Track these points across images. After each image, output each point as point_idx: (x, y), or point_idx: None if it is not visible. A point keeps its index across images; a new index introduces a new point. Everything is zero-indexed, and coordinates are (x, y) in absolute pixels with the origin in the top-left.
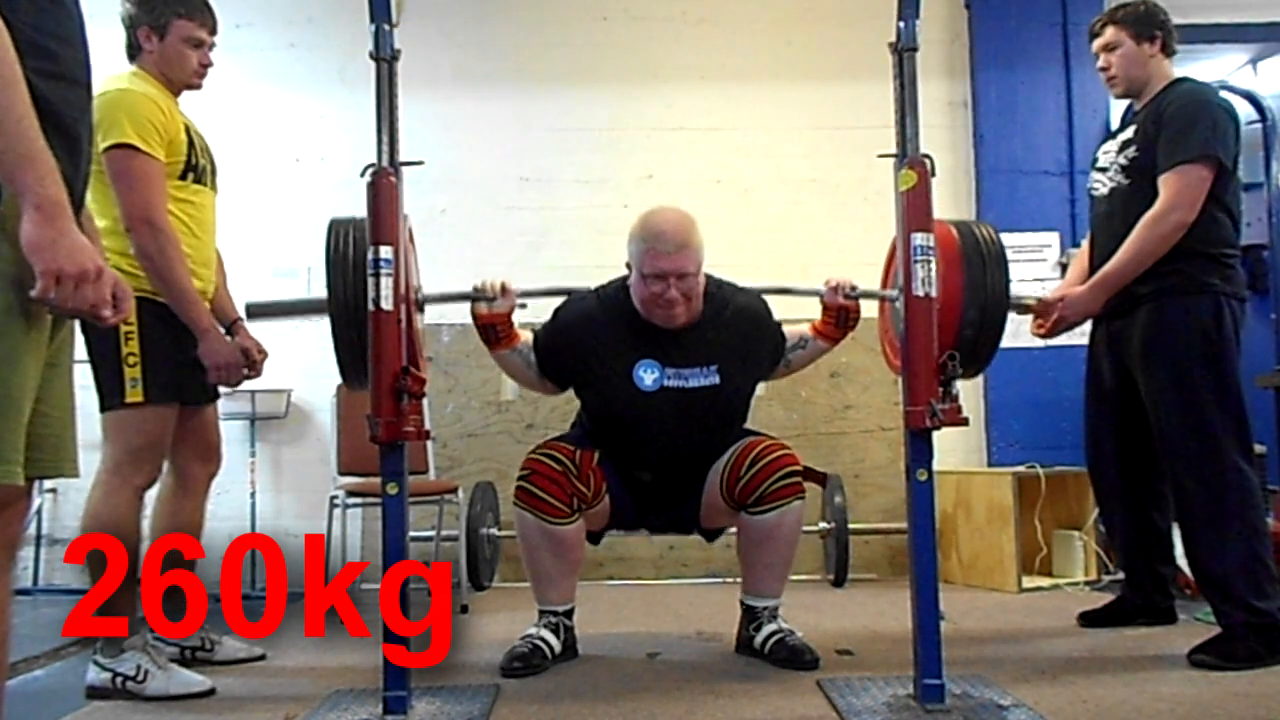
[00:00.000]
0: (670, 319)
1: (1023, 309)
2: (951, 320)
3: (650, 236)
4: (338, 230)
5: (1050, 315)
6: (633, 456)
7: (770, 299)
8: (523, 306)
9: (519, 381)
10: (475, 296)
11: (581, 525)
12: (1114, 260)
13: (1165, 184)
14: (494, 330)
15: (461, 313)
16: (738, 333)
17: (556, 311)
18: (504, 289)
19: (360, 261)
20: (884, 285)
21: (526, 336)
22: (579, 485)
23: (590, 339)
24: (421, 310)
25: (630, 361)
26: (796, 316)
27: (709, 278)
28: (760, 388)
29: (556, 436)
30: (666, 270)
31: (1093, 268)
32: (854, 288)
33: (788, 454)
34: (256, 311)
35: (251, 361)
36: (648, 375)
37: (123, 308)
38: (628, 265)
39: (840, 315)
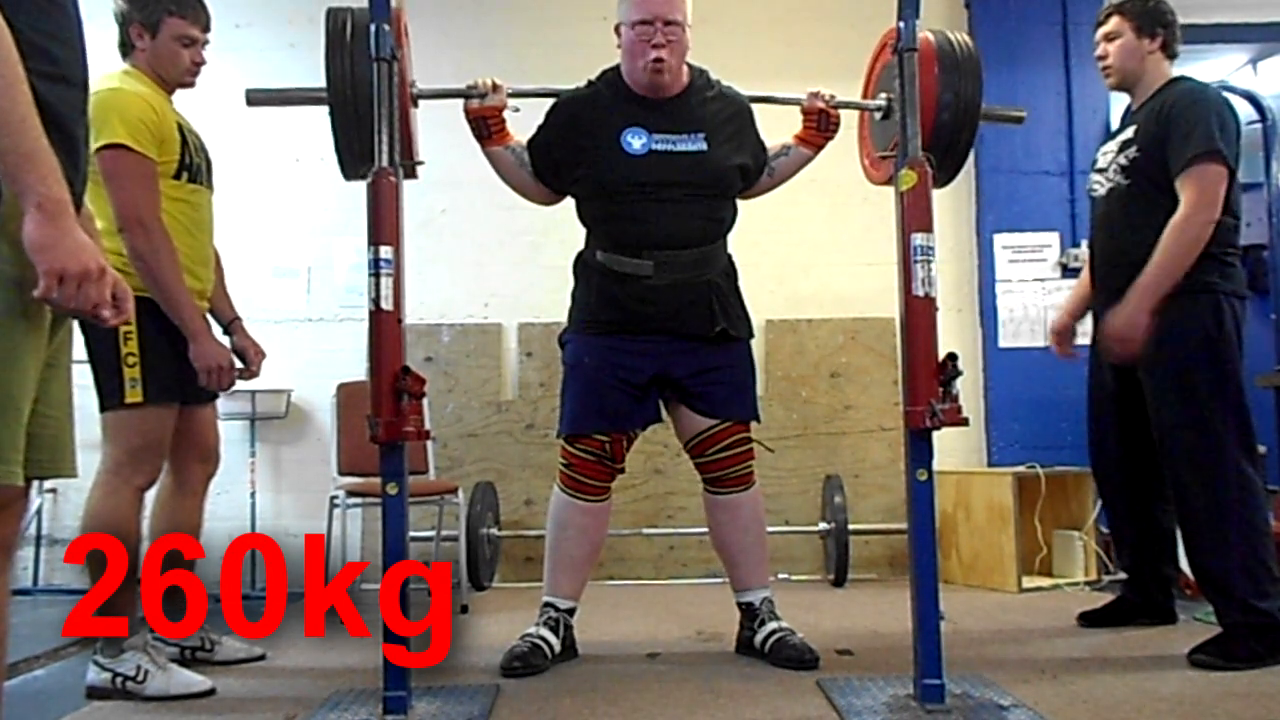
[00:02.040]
0: (658, 71)
1: (1000, 119)
2: (927, 120)
3: None
4: (337, 18)
5: (1110, 347)
6: (629, 235)
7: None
8: (515, 110)
9: (511, 182)
10: (468, 94)
11: (610, 503)
12: (1148, 271)
13: (1184, 187)
14: (485, 124)
15: (462, 312)
16: (723, 111)
17: (550, 106)
18: (495, 85)
19: (357, 48)
20: (865, 94)
21: (520, 139)
22: (614, 466)
23: (580, 118)
24: (416, 104)
25: (618, 128)
26: None
27: (695, 66)
28: (760, 387)
29: (577, 394)
30: (655, 13)
31: (1093, 269)
32: (834, 95)
33: (748, 449)
34: (257, 99)
35: (248, 362)
36: (635, 140)
37: (124, 308)
38: (617, 31)
39: (821, 119)
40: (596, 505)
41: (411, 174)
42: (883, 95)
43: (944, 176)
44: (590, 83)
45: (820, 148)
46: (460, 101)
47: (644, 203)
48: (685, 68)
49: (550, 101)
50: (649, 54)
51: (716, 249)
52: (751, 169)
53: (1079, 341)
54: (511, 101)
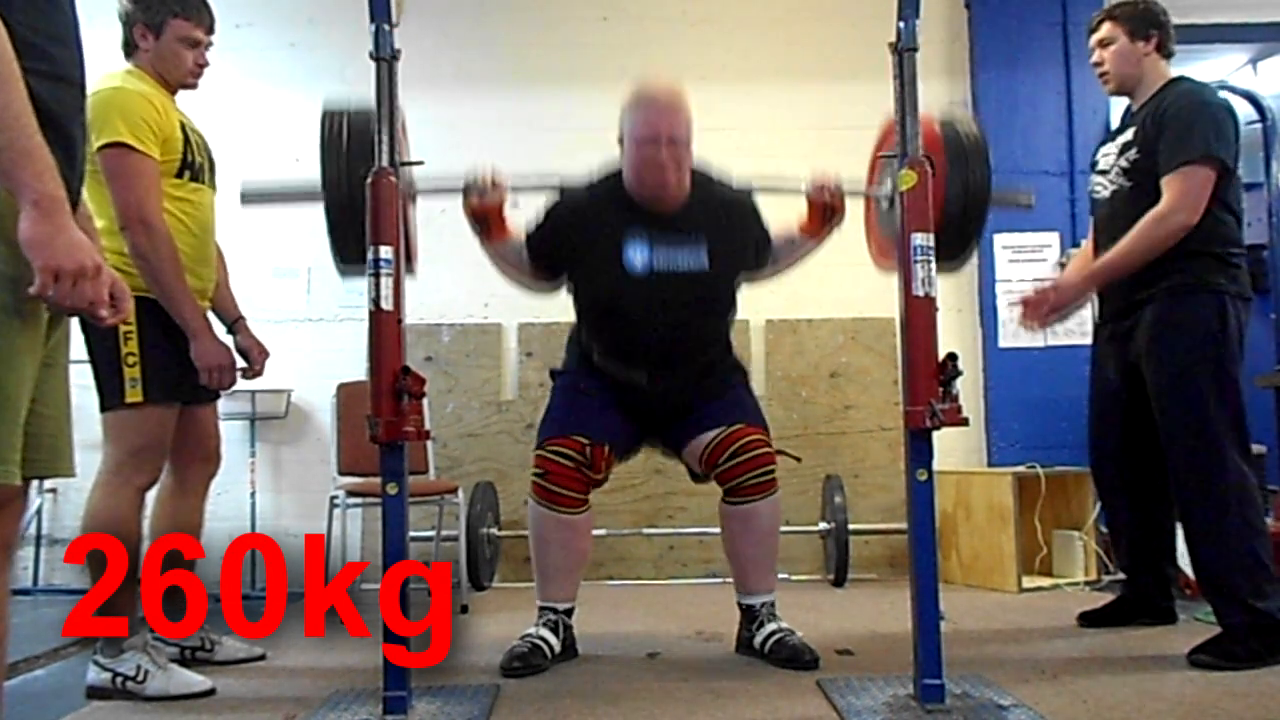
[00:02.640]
0: (661, 187)
1: (1009, 203)
2: (938, 201)
3: (643, 100)
4: (331, 116)
5: (1042, 304)
6: (625, 347)
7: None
8: (514, 206)
9: (511, 276)
10: (467, 189)
11: (591, 514)
12: (1111, 252)
13: (1168, 185)
14: (485, 221)
15: (462, 312)
16: (725, 218)
17: (547, 202)
18: (495, 181)
19: (353, 147)
20: (870, 181)
21: (519, 231)
22: (592, 475)
23: (580, 221)
24: (414, 201)
25: (619, 241)
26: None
27: (697, 164)
28: (760, 388)
29: (555, 370)
30: (659, 131)
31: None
32: (839, 184)
33: (765, 453)
34: (251, 196)
35: (251, 361)
36: (637, 255)
37: (121, 308)
38: (620, 141)
39: (825, 211)
40: (575, 518)
41: (410, 272)
42: (888, 183)
43: (954, 263)
44: (590, 186)
45: (824, 238)
46: (459, 98)
47: (643, 321)
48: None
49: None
50: (652, 173)
51: (714, 353)
52: (753, 267)
53: (1079, 341)
54: (511, 194)
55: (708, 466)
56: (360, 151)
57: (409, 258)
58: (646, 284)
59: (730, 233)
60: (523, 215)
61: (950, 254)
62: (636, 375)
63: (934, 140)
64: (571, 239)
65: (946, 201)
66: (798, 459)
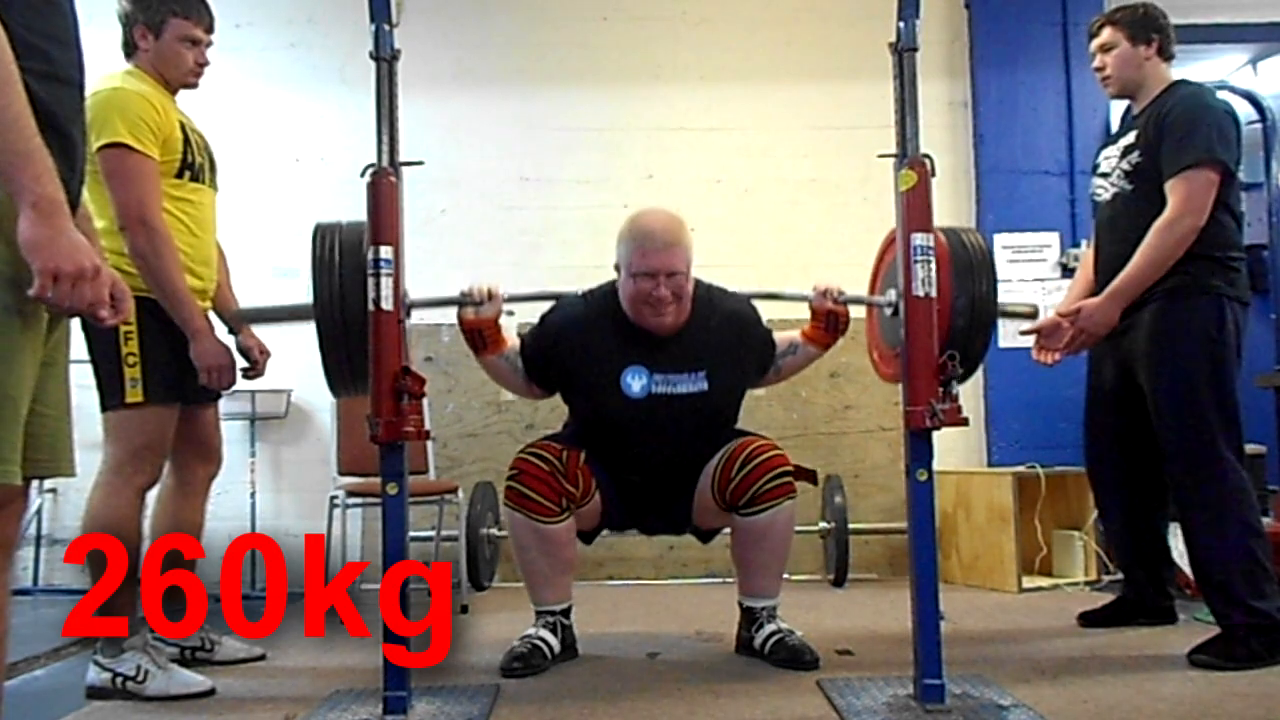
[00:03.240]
0: (660, 319)
1: (1014, 315)
2: (942, 323)
3: (640, 235)
4: (323, 234)
5: (1060, 333)
6: (622, 461)
7: (759, 305)
8: (510, 314)
9: (506, 387)
10: (462, 301)
11: (572, 524)
12: (1127, 270)
13: (1173, 190)
14: (480, 335)
15: None
16: (726, 337)
17: (543, 317)
18: (490, 294)
19: (346, 266)
20: (872, 289)
21: (514, 341)
22: (567, 485)
23: (577, 344)
24: (408, 315)
25: (618, 368)
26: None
27: (697, 282)
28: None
29: (546, 436)
30: (656, 268)
31: (1097, 273)
32: (842, 293)
33: (778, 454)
34: (246, 316)
35: (253, 361)
36: (635, 382)
37: (121, 308)
38: (616, 268)
39: (830, 320)
40: (552, 527)
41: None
42: (890, 291)
43: (964, 370)
44: (586, 296)
45: (829, 346)
46: (459, 98)
47: (640, 442)
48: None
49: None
50: (650, 307)
51: (712, 451)
52: (754, 380)
53: None
54: (507, 305)
55: (721, 490)
56: (354, 274)
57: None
58: (645, 408)
59: (732, 353)
60: (516, 320)
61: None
62: (631, 479)
63: (940, 253)
64: (567, 358)
65: (953, 316)
66: (814, 478)
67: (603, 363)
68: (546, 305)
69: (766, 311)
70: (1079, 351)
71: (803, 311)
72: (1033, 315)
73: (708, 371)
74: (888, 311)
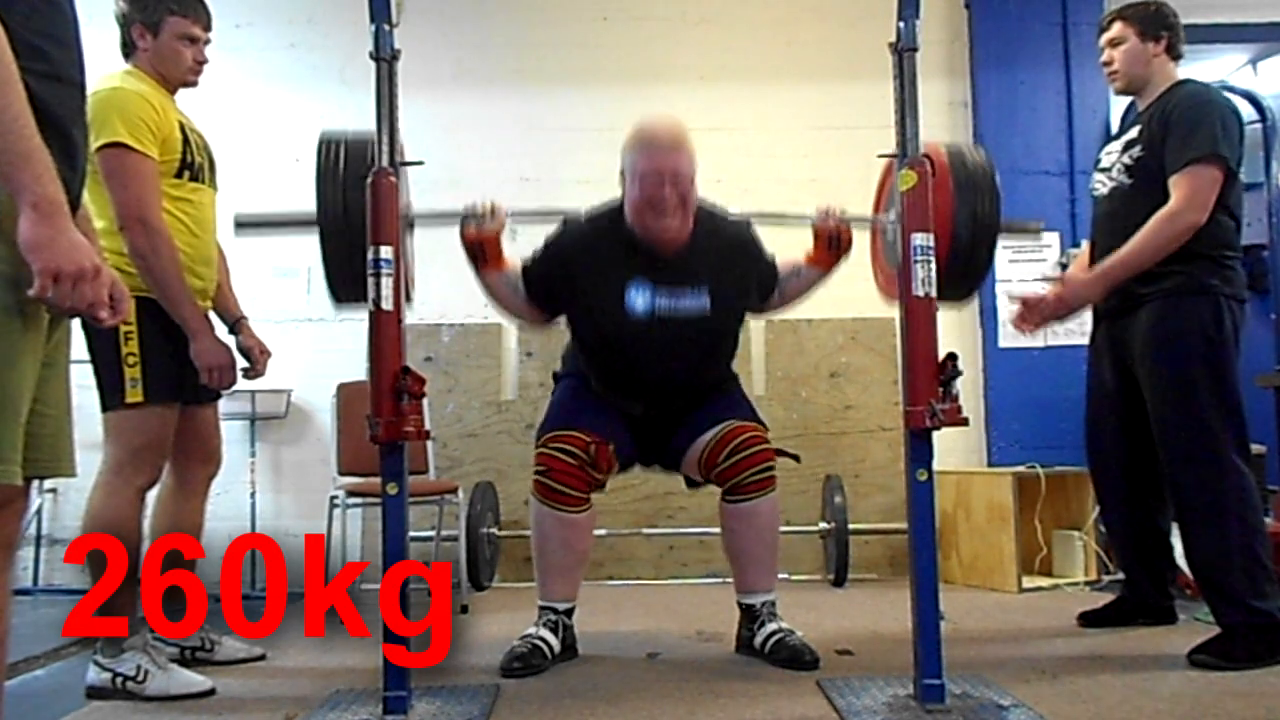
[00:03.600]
0: (663, 224)
1: (1019, 230)
2: (945, 232)
3: (644, 138)
4: (328, 144)
5: (1043, 303)
6: (624, 383)
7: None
8: (513, 234)
9: (506, 309)
10: (465, 216)
11: (594, 513)
12: (1120, 252)
13: (1177, 185)
14: (482, 250)
15: (462, 312)
16: (728, 256)
17: (547, 239)
18: (494, 210)
19: (349, 176)
20: (875, 210)
21: (516, 263)
22: (595, 475)
23: (581, 260)
24: (411, 229)
25: (621, 283)
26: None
27: (700, 203)
28: (760, 388)
29: (556, 375)
30: (662, 169)
31: (1093, 267)
32: (844, 212)
33: (764, 450)
34: (245, 223)
35: (253, 361)
36: (639, 297)
37: (120, 308)
38: (621, 177)
39: (832, 240)
40: (577, 516)
41: (408, 299)
42: (892, 212)
43: (963, 292)
44: (590, 215)
45: (832, 267)
46: (459, 98)
47: (643, 361)
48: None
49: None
50: (653, 212)
51: (713, 382)
52: (757, 301)
53: (1079, 341)
54: (510, 223)
55: (707, 468)
56: (357, 181)
57: (406, 293)
58: (648, 327)
59: (733, 273)
60: (520, 247)
61: (957, 286)
62: (633, 406)
63: (941, 170)
64: (571, 276)
65: (954, 234)
66: (796, 458)
67: (606, 279)
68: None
69: (769, 240)
70: (1051, 320)
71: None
72: (1038, 231)
73: (710, 289)
74: (889, 235)
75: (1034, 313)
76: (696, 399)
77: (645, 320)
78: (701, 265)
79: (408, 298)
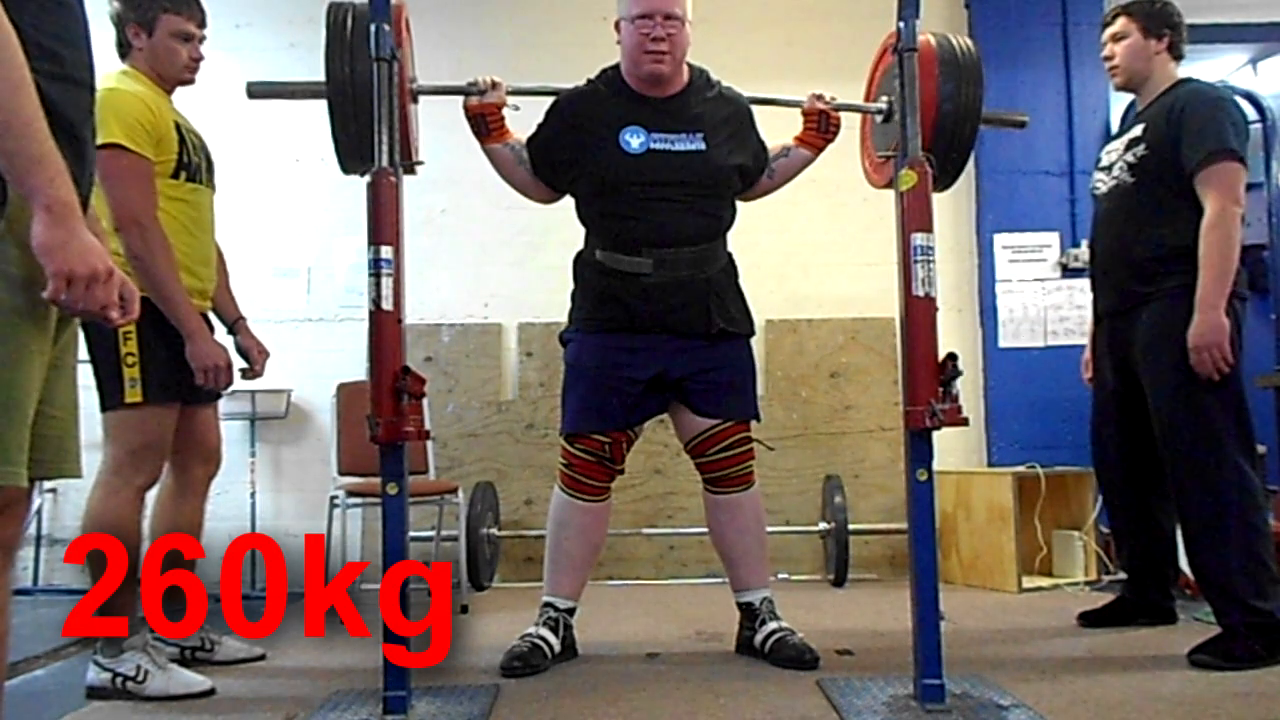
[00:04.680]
0: (658, 63)
1: (1001, 123)
2: (929, 116)
3: None
4: (337, 13)
5: (1202, 359)
6: (627, 234)
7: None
8: (515, 109)
9: (510, 180)
10: (468, 90)
11: (610, 504)
12: (1203, 281)
13: (1206, 186)
14: (485, 121)
15: (462, 312)
16: (723, 111)
17: (551, 104)
18: (494, 83)
19: (356, 41)
20: (866, 98)
21: (520, 137)
22: (614, 467)
23: (578, 114)
24: (416, 101)
25: (617, 127)
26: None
27: (695, 65)
28: (760, 388)
29: (579, 395)
30: (655, 7)
31: (1095, 266)
32: (835, 98)
33: (748, 450)
34: (257, 91)
35: (251, 361)
36: (634, 139)
37: (130, 309)
38: (616, 27)
39: (821, 121)
40: (597, 505)
41: (410, 171)
42: (884, 98)
43: (945, 179)
44: (590, 81)
45: (821, 149)
46: (460, 103)
47: (642, 201)
48: (685, 67)
49: (549, 100)
50: (648, 47)
51: (715, 246)
52: (750, 169)
53: (1079, 341)
54: (511, 99)
55: (695, 453)
56: (364, 46)
57: (407, 154)
58: (644, 164)
59: (727, 125)
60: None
61: (941, 171)
62: (640, 264)
63: (928, 53)
64: (571, 130)
65: (938, 114)
66: (771, 448)
67: (602, 124)
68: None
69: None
70: (1220, 366)
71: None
72: (1022, 124)
73: (704, 135)
74: (879, 119)
75: (1206, 366)
76: (702, 265)
77: (641, 156)
78: (696, 110)
79: (408, 158)
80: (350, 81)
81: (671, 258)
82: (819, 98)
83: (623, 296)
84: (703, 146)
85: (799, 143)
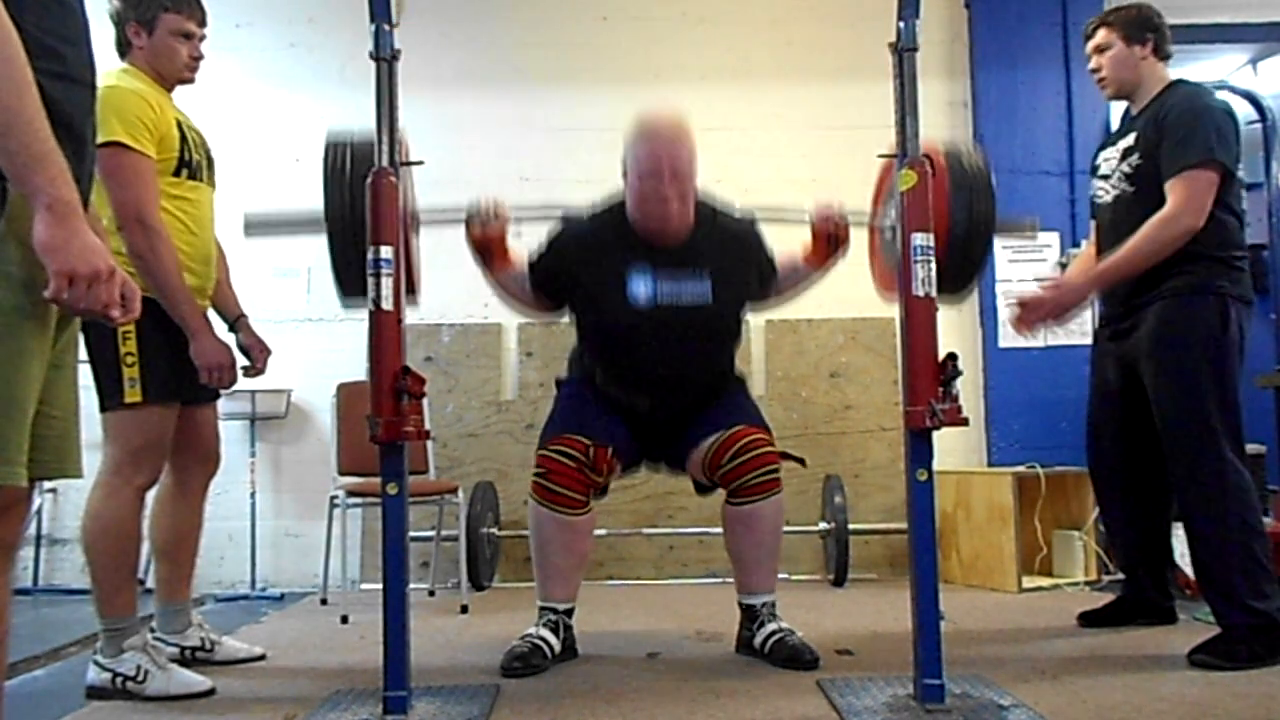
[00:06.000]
0: (664, 219)
1: (1012, 228)
2: (941, 231)
3: (646, 130)
4: (335, 148)
5: (1039, 308)
6: (629, 376)
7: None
8: (517, 235)
9: (515, 304)
10: (470, 216)
11: (593, 515)
12: (1116, 254)
13: (1172, 190)
14: (488, 250)
15: (462, 312)
16: (729, 247)
17: (551, 232)
18: (497, 210)
19: (355, 177)
20: (874, 209)
21: (522, 258)
22: (594, 477)
23: (584, 253)
24: (417, 229)
25: (623, 272)
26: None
27: (701, 195)
28: (760, 388)
29: (559, 383)
30: (662, 161)
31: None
32: (843, 213)
33: (768, 452)
34: (255, 224)
35: (253, 360)
36: (641, 286)
37: (132, 307)
38: (622, 173)
39: (830, 240)
40: (576, 519)
41: (411, 302)
42: (891, 213)
43: (958, 288)
44: (594, 215)
45: (829, 265)
46: (459, 101)
47: (646, 351)
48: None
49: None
50: (655, 207)
51: (718, 376)
52: (758, 296)
53: (1079, 341)
54: (514, 220)
55: (711, 470)
56: (363, 182)
57: (410, 288)
58: (650, 316)
59: (734, 264)
60: (524, 244)
61: (954, 283)
62: (639, 401)
63: (939, 169)
64: (575, 269)
65: (951, 231)
66: (802, 461)
67: (609, 270)
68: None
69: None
70: (1049, 320)
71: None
72: (1033, 229)
73: (711, 277)
74: (887, 234)
75: (1031, 313)
76: (702, 397)
77: (648, 308)
78: (703, 254)
79: (412, 291)
80: (350, 216)
81: (670, 396)
82: (827, 216)
83: (621, 406)
84: (709, 295)
85: (807, 258)
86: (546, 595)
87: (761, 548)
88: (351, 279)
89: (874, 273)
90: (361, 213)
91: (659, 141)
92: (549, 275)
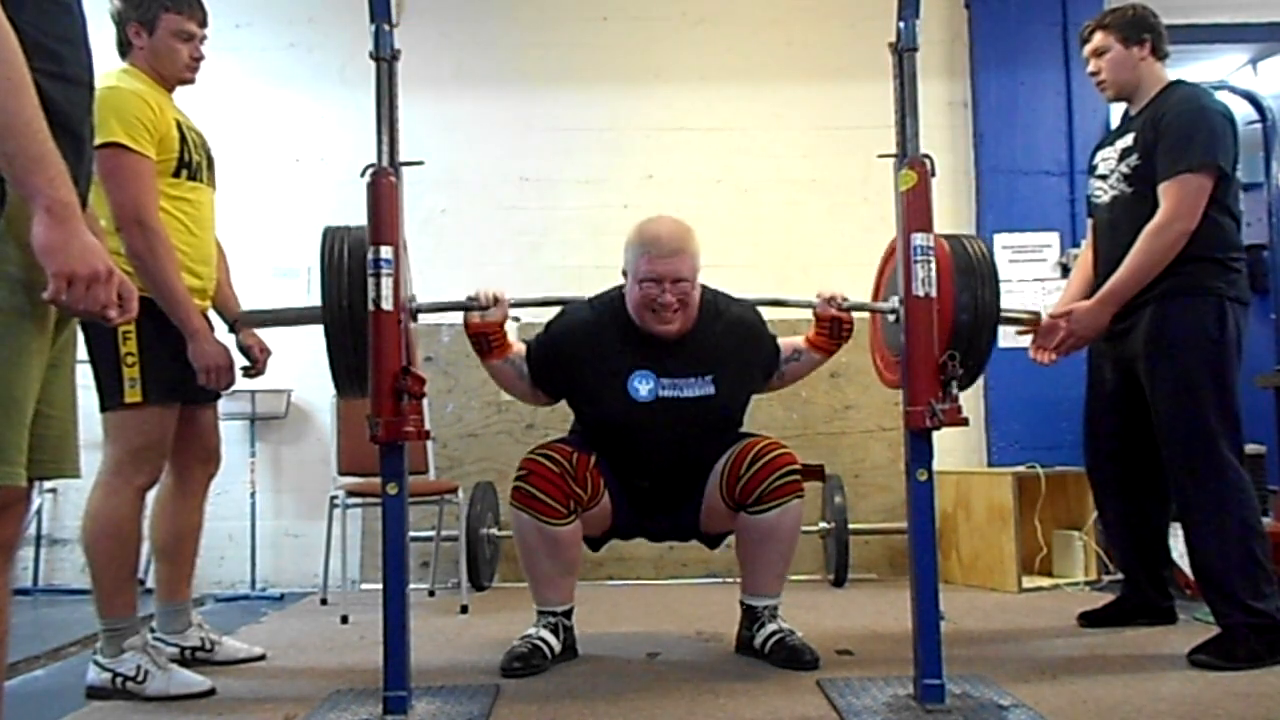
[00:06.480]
0: (665, 326)
1: (1016, 322)
2: (945, 326)
3: (647, 241)
4: (332, 238)
5: (1055, 334)
6: (630, 466)
7: (763, 312)
8: (515, 320)
9: (512, 393)
10: (468, 306)
11: (578, 527)
12: (1119, 274)
13: (1165, 193)
14: (486, 340)
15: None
16: (732, 343)
17: (550, 323)
18: (497, 299)
19: (354, 269)
20: (875, 296)
21: (519, 346)
22: (576, 487)
23: (584, 349)
24: (415, 319)
25: (625, 372)
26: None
27: (703, 288)
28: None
29: (556, 439)
30: (662, 274)
31: (1097, 275)
32: (846, 299)
33: (786, 453)
34: (247, 321)
35: (253, 359)
36: (643, 386)
37: (129, 308)
38: (624, 274)
39: (833, 327)
40: (558, 530)
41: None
42: (894, 298)
43: (965, 380)
44: (593, 302)
45: (832, 352)
46: (459, 101)
47: (648, 445)
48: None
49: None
50: (656, 317)
51: (720, 453)
52: (761, 385)
53: None
54: (513, 310)
55: (731, 483)
56: (362, 277)
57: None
58: (652, 412)
59: (738, 358)
60: (517, 328)
61: (960, 367)
62: (640, 483)
63: (943, 259)
64: (573, 363)
65: (956, 319)
66: (822, 475)
67: (610, 368)
68: (551, 312)
69: (769, 316)
70: (1070, 353)
71: (806, 314)
72: (1035, 322)
73: (714, 376)
74: (890, 318)
75: (1048, 341)
76: (705, 473)
77: (649, 407)
78: (705, 353)
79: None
80: (347, 311)
81: (671, 482)
82: (830, 301)
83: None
84: (712, 391)
85: (810, 346)
86: (541, 600)
87: (775, 554)
88: (348, 376)
89: (875, 359)
90: (358, 308)
91: (659, 255)
92: (547, 367)
